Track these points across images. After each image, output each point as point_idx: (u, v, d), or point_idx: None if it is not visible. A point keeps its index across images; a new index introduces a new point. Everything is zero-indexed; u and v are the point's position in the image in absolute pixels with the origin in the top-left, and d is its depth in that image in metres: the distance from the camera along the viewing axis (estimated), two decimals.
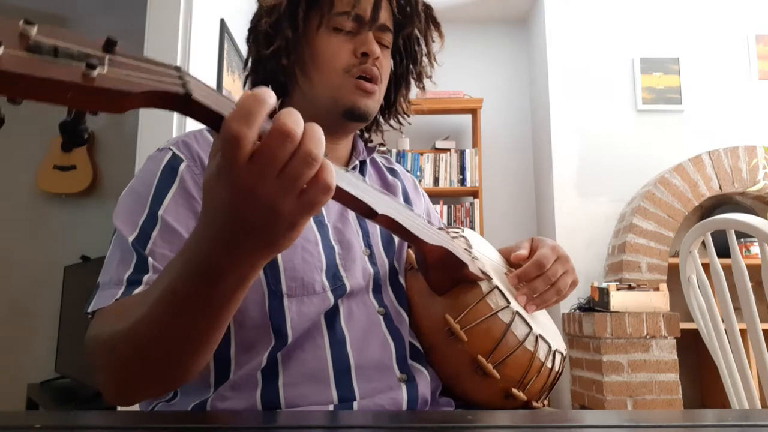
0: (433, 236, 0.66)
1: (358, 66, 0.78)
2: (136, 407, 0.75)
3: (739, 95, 3.41)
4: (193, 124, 2.06)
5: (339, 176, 0.49)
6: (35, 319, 3.18)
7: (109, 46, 0.38)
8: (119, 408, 1.82)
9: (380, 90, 0.81)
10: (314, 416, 0.61)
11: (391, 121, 0.93)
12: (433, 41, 0.88)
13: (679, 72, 3.42)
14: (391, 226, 0.59)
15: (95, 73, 0.36)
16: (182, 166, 0.71)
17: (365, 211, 0.54)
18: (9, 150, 3.32)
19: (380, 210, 0.54)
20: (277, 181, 0.42)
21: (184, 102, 0.41)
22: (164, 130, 1.99)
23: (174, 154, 0.72)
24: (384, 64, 0.81)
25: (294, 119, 0.42)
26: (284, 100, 0.85)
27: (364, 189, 0.54)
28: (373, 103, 0.80)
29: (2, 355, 3.12)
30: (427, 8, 0.87)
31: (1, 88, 0.34)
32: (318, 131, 0.43)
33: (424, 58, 0.89)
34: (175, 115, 2.01)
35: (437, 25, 0.88)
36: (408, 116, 0.94)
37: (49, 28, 0.36)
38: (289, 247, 0.47)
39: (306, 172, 0.42)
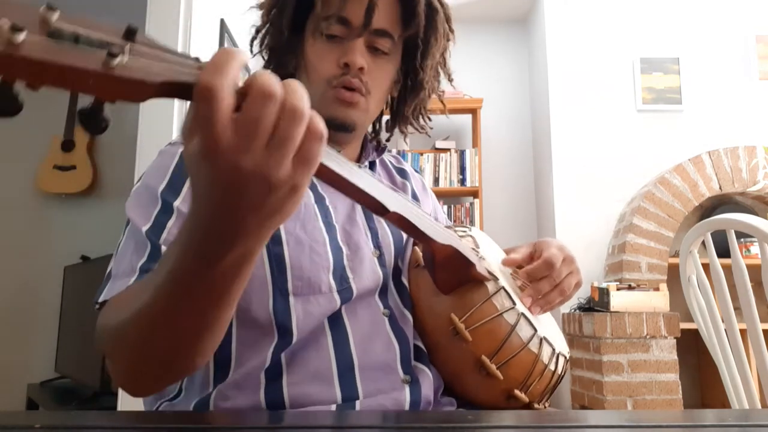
0: (442, 234, 0.66)
1: (339, 77, 0.74)
2: (139, 406, 0.75)
3: (739, 95, 3.41)
4: None
5: (352, 172, 0.48)
6: (35, 319, 3.18)
7: (130, 34, 0.38)
8: (119, 407, 1.83)
9: (369, 100, 0.77)
10: (316, 416, 0.61)
11: (410, 125, 0.89)
12: (439, 43, 0.81)
13: (679, 72, 3.42)
14: (401, 223, 0.58)
15: (116, 62, 0.35)
16: None
17: (377, 208, 0.53)
18: (9, 150, 3.32)
19: (392, 207, 0.54)
20: (266, 151, 0.38)
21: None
22: (164, 131, 1.99)
23: None
24: (375, 74, 0.76)
25: (271, 77, 0.39)
26: None
27: (376, 185, 0.53)
28: (358, 114, 0.76)
29: (2, 355, 3.12)
30: (431, 11, 0.78)
31: (23, 74, 0.34)
32: (297, 86, 0.40)
33: (433, 64, 0.83)
34: (176, 116, 2.01)
35: (437, 30, 0.80)
36: (429, 119, 0.90)
37: (70, 15, 0.36)
38: (295, 211, 0.44)
39: (296, 130, 0.39)
